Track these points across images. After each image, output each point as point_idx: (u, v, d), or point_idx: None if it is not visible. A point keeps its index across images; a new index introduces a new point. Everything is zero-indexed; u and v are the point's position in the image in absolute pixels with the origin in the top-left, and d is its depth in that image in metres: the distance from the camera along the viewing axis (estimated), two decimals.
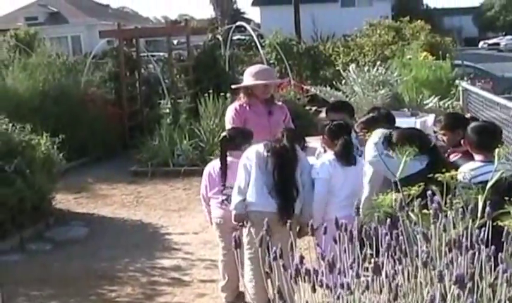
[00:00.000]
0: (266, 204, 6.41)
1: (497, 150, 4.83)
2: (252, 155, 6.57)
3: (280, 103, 8.59)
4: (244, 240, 6.64)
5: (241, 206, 6.57)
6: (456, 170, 5.35)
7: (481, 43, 78.19)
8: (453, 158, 6.43)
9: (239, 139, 7.12)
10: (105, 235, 10.35)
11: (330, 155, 6.56)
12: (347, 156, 6.45)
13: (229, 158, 7.13)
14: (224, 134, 7.43)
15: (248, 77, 7.87)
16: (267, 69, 8.37)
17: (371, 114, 7.42)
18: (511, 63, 46.52)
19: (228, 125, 7.78)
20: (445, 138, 6.81)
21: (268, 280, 4.03)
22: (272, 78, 8.25)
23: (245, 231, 6.61)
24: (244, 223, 6.60)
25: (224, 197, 7.08)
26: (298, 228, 6.41)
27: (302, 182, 6.50)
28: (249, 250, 6.62)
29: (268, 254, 3.95)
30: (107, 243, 9.91)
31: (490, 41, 78.77)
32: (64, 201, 12.04)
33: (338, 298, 3.49)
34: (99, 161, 15.57)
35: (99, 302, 7.48)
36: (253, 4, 68.22)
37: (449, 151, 6.69)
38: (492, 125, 6.71)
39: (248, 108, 7.77)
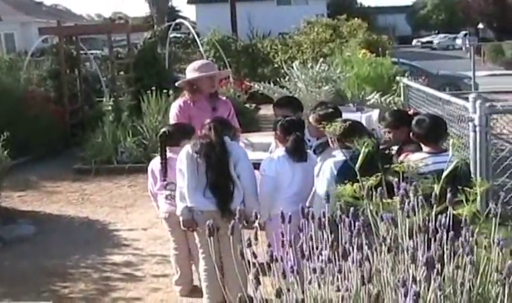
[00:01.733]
0: (205, 204, 6.45)
1: (451, 141, 5.01)
2: (183, 157, 6.59)
3: (224, 98, 8.67)
4: (196, 241, 6.74)
5: (186, 212, 6.59)
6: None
7: (414, 41, 79.48)
8: (404, 157, 6.56)
9: (177, 135, 7.16)
10: (53, 233, 10.30)
11: (280, 151, 6.60)
12: (298, 152, 6.45)
13: (168, 154, 7.19)
14: (163, 130, 7.49)
15: (192, 72, 7.89)
16: (209, 63, 8.40)
17: (328, 109, 7.51)
18: (444, 61, 47.57)
19: (172, 122, 7.84)
20: (390, 135, 6.94)
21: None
22: (215, 70, 8.34)
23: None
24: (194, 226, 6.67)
25: (168, 193, 7.17)
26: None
27: (237, 172, 6.50)
28: (201, 250, 6.71)
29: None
30: (56, 241, 9.87)
31: (424, 40, 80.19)
32: (8, 199, 11.92)
33: (310, 282, 3.61)
34: (42, 159, 15.44)
35: (53, 298, 7.44)
36: (189, 2, 68.16)
37: (393, 149, 6.84)
38: (437, 117, 6.92)
39: (192, 104, 7.82)
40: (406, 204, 3.90)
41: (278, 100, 8.63)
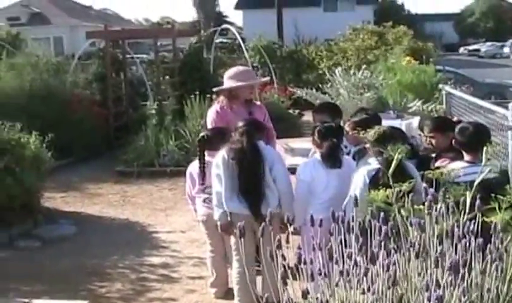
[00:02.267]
0: (240, 208, 6.55)
1: (484, 149, 4.99)
2: (220, 162, 6.67)
3: (259, 103, 8.69)
4: (231, 243, 6.80)
5: (223, 216, 6.69)
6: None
7: (461, 49, 78.78)
8: (440, 163, 6.51)
9: (216, 139, 7.21)
10: (93, 233, 10.45)
11: (316, 157, 6.64)
12: (332, 158, 6.42)
13: (207, 158, 7.27)
14: (202, 134, 7.57)
15: (231, 80, 7.90)
16: (249, 71, 8.45)
17: (364, 115, 7.54)
18: (490, 69, 47.03)
19: (210, 127, 7.90)
20: (433, 141, 6.89)
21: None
22: (255, 79, 8.38)
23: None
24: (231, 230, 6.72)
25: (206, 196, 7.24)
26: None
27: (273, 176, 6.56)
28: (235, 252, 6.77)
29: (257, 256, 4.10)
30: (95, 241, 10.02)
31: (471, 48, 79.38)
32: (51, 199, 12.10)
33: (337, 285, 3.63)
34: (85, 161, 15.63)
35: (90, 297, 7.54)
36: (236, 7, 68.35)
37: (435, 155, 6.80)
38: (481, 125, 6.85)
39: (229, 110, 7.86)
40: (434, 210, 3.90)
41: (317, 106, 8.67)
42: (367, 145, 6.11)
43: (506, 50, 73.27)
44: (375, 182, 5.47)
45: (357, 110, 8.29)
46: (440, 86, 13.80)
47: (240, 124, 6.82)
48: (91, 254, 9.39)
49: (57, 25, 58.50)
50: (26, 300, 6.88)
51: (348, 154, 7.02)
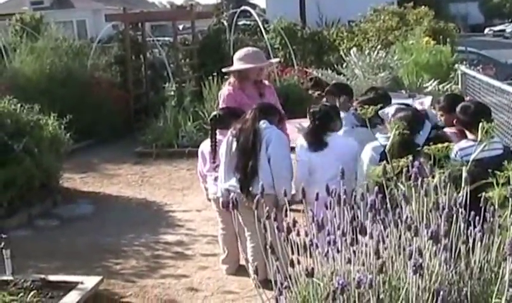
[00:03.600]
0: (234, 185, 6.80)
1: (480, 125, 5.08)
2: (224, 140, 6.90)
3: (267, 82, 8.81)
4: (240, 221, 6.96)
5: (225, 192, 6.91)
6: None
7: (486, 30, 78.03)
8: (448, 131, 6.71)
9: (228, 118, 7.37)
10: (110, 212, 10.67)
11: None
12: (312, 142, 6.56)
13: (219, 137, 7.43)
14: (214, 113, 7.74)
15: (240, 61, 8.07)
16: (258, 52, 8.49)
17: (369, 95, 7.70)
18: None
19: (220, 107, 8.05)
20: (442, 118, 7.05)
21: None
22: (264, 60, 8.50)
23: None
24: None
25: (217, 175, 7.40)
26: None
27: (268, 154, 6.68)
28: (246, 228, 6.94)
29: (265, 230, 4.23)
30: (112, 220, 10.24)
31: (496, 28, 78.52)
32: (70, 180, 12.34)
33: (325, 255, 3.77)
34: (105, 142, 15.84)
35: (105, 273, 7.70)
36: None
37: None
38: (481, 105, 6.96)
39: (240, 91, 8.00)
40: (421, 183, 4.02)
41: (328, 87, 8.80)
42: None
43: None
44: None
45: (367, 89, 8.42)
46: (456, 66, 13.83)
47: (254, 106, 6.98)
48: (107, 232, 9.61)
49: (80, 9, 58.72)
50: (43, 276, 7.05)
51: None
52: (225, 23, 23.08)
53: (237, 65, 8.07)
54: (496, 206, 4.29)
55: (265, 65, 8.40)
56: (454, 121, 6.55)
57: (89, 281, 7.03)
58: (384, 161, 4.64)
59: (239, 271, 7.60)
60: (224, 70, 8.62)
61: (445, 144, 4.89)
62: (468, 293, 3.73)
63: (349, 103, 8.09)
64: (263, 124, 6.74)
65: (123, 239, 9.24)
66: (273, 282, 4.00)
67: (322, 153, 6.48)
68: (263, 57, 8.55)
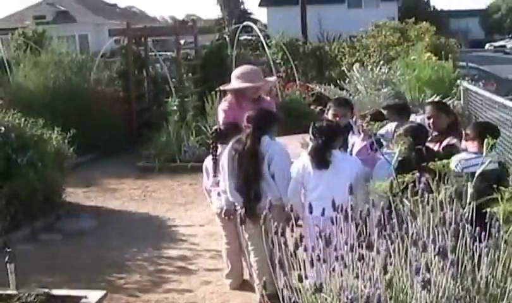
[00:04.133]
0: (238, 201, 6.87)
1: (485, 141, 5.12)
2: (226, 153, 6.96)
3: (268, 98, 8.83)
4: (244, 234, 6.98)
5: (228, 202, 7.07)
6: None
7: (487, 46, 78.18)
8: (450, 141, 6.83)
9: (229, 133, 7.38)
10: (113, 227, 10.69)
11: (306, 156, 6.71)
12: (316, 159, 6.46)
13: (220, 151, 7.45)
14: (215, 127, 7.78)
15: (237, 80, 8.11)
16: (255, 71, 8.52)
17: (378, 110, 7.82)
18: None
19: (221, 123, 8.06)
20: (430, 122, 7.26)
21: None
22: (260, 79, 8.50)
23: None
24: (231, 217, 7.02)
25: (220, 190, 7.41)
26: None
27: (271, 171, 6.73)
28: (250, 242, 6.96)
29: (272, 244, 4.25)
30: (115, 234, 10.25)
31: (496, 44, 78.72)
32: (73, 194, 12.34)
33: (333, 270, 3.79)
34: (108, 157, 15.86)
35: (108, 288, 7.71)
36: (260, 4, 68.47)
37: (435, 135, 7.14)
38: (494, 125, 7.15)
39: (238, 107, 8.01)
40: (426, 198, 4.04)
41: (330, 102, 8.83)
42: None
43: None
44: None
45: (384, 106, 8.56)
46: (458, 81, 13.86)
47: (248, 115, 6.97)
48: (110, 246, 9.62)
49: (82, 23, 58.89)
50: (46, 290, 7.05)
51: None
52: (228, 38, 23.13)
53: (234, 83, 8.13)
54: (501, 222, 4.31)
55: (261, 85, 8.40)
56: (464, 134, 6.65)
57: (93, 296, 7.03)
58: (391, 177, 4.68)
59: (243, 285, 7.64)
60: (221, 88, 8.65)
61: (454, 159, 4.94)
62: None
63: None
64: (263, 140, 6.74)
65: (126, 253, 9.26)
66: (280, 297, 4.01)
67: (325, 170, 6.43)
68: (261, 76, 8.55)
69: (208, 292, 7.73)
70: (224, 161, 6.96)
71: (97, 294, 7.10)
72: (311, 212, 4.91)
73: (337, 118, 7.65)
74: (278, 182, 6.69)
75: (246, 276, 7.63)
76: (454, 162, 5.77)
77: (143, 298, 7.65)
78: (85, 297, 6.96)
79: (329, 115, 7.83)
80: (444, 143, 6.94)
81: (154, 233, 10.27)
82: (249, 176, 6.73)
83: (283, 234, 4.23)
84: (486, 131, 6.07)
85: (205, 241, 9.65)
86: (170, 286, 7.98)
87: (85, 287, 7.52)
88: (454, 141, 6.99)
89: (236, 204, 6.90)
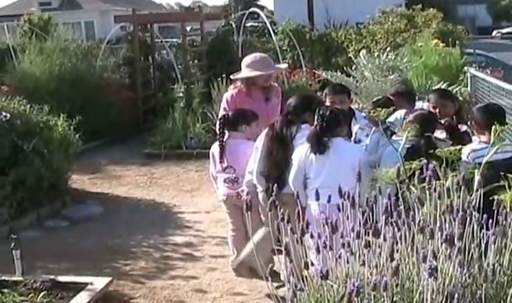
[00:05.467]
0: (262, 184, 6.78)
1: (493, 128, 5.07)
2: (263, 137, 6.84)
3: (275, 84, 8.78)
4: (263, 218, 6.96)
5: (251, 185, 6.93)
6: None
7: (494, 32, 77.90)
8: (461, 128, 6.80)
9: (237, 119, 7.35)
10: (119, 213, 10.70)
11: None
12: (313, 144, 6.32)
13: (227, 138, 7.42)
14: (223, 113, 7.72)
15: (248, 68, 7.98)
16: (266, 59, 8.37)
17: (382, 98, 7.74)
18: None
19: (222, 111, 8.02)
20: (436, 111, 7.20)
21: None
22: (273, 67, 8.45)
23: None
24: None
25: (226, 176, 7.39)
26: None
27: None
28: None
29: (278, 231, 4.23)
30: (121, 221, 10.25)
31: (504, 31, 78.34)
32: (79, 181, 12.35)
33: (339, 257, 3.76)
34: (113, 143, 15.89)
35: (114, 274, 7.71)
36: None
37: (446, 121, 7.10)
38: (497, 105, 7.01)
39: (246, 95, 7.97)
40: (433, 185, 4.02)
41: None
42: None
43: None
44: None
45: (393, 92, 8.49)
46: (465, 68, 13.83)
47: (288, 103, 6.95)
48: (116, 233, 9.62)
49: (88, 10, 58.89)
50: (52, 277, 7.05)
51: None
52: (234, 25, 23.09)
53: (245, 72, 8.01)
54: (508, 209, 4.27)
55: (273, 73, 8.36)
56: (469, 122, 6.60)
57: (99, 282, 7.03)
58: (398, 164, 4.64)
59: (249, 272, 7.58)
60: (231, 77, 8.55)
61: (458, 147, 4.89)
62: (482, 296, 3.71)
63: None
64: (304, 128, 6.66)
65: (132, 240, 9.26)
66: (286, 285, 4.00)
67: (328, 158, 6.35)
68: (272, 63, 8.49)
69: (214, 279, 7.72)
70: (258, 143, 6.89)
71: (103, 281, 7.12)
72: (316, 199, 4.87)
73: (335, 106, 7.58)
74: None
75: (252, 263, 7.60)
76: (466, 152, 5.73)
77: (149, 284, 7.64)
78: (91, 284, 6.97)
79: (326, 103, 7.70)
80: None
81: (160, 219, 10.27)
82: (279, 162, 6.69)
83: (289, 221, 4.20)
84: (494, 117, 6.02)
85: (211, 228, 9.65)
86: (176, 273, 7.97)
87: (91, 274, 7.54)
88: (465, 128, 6.93)
89: (258, 187, 6.83)
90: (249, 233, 7.26)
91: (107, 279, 7.16)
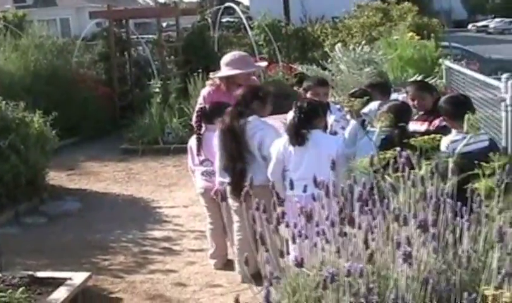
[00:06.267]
0: (225, 178, 6.88)
1: (465, 117, 5.14)
2: (217, 133, 6.97)
3: (254, 78, 8.79)
4: (232, 212, 7.02)
5: (219, 182, 7.06)
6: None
7: (470, 26, 78.36)
8: (442, 122, 6.83)
9: (214, 112, 7.38)
10: (98, 209, 10.69)
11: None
12: (292, 135, 6.35)
13: (204, 131, 7.46)
14: (201, 106, 7.74)
15: (228, 67, 7.98)
16: (245, 57, 8.41)
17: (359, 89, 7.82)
18: (499, 45, 46.77)
19: (198, 106, 8.01)
20: (415, 103, 7.27)
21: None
22: (253, 65, 8.50)
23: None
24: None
25: (204, 169, 7.45)
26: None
27: (262, 153, 6.72)
28: (236, 218, 6.99)
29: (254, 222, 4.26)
30: (100, 217, 10.25)
31: (479, 24, 78.90)
32: (57, 177, 12.34)
33: (315, 245, 3.81)
34: (91, 140, 15.88)
35: (93, 269, 7.71)
36: None
37: (421, 114, 7.16)
38: (463, 96, 7.12)
39: (225, 91, 7.94)
40: (406, 174, 4.08)
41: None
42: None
43: None
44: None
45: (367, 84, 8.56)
46: (440, 60, 13.90)
47: (240, 91, 7.02)
48: (95, 228, 9.62)
49: (63, 7, 58.56)
50: (31, 273, 7.05)
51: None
52: (210, 20, 23.09)
53: (225, 71, 8.01)
54: (483, 197, 4.34)
55: (252, 71, 8.39)
56: (443, 116, 6.66)
57: (77, 277, 7.03)
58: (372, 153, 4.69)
59: (228, 265, 7.64)
60: (211, 75, 8.53)
61: (432, 136, 4.95)
62: (457, 282, 3.78)
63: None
64: (252, 120, 6.73)
65: (111, 235, 9.26)
66: (262, 272, 4.04)
67: (307, 150, 6.38)
68: (251, 62, 8.52)
69: (193, 272, 7.74)
70: (216, 141, 6.97)
71: (82, 275, 7.10)
72: (292, 189, 4.93)
73: (318, 98, 7.61)
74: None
75: (231, 256, 7.63)
76: (445, 144, 5.80)
77: (128, 279, 7.65)
78: (70, 279, 6.96)
79: (308, 95, 7.71)
80: (436, 123, 6.91)
81: (138, 214, 10.29)
82: (233, 154, 6.73)
83: (265, 211, 4.23)
84: (462, 107, 6.09)
85: (189, 222, 9.68)
86: (155, 267, 7.99)
87: (70, 269, 7.52)
88: (444, 123, 6.97)
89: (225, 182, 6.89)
90: (227, 227, 7.38)
91: (85, 274, 7.15)
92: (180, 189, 11.50)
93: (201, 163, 7.53)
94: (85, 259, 8.34)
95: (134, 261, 8.24)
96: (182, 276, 7.67)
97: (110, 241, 9.04)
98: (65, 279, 6.96)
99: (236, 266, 7.14)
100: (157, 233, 9.28)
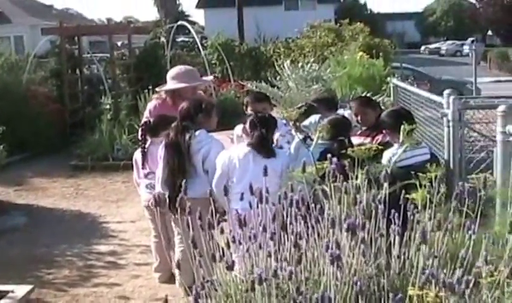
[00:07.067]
0: (166, 191, 6.85)
1: (402, 128, 5.25)
2: (161, 146, 6.98)
3: (200, 92, 8.83)
4: (173, 225, 7.05)
5: (160, 194, 7.02)
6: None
7: (422, 48, 79.45)
8: (382, 138, 6.93)
9: (159, 125, 7.41)
10: (44, 224, 10.61)
11: (242, 147, 6.65)
12: (263, 148, 6.36)
13: (148, 144, 7.50)
14: (145, 119, 7.78)
15: (173, 80, 8.05)
16: (191, 71, 8.46)
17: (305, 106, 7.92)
18: (450, 67, 47.52)
19: (143, 119, 8.05)
20: (358, 118, 7.40)
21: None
22: (198, 79, 8.54)
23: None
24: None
25: (148, 182, 7.47)
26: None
27: (205, 168, 6.72)
28: (176, 231, 7.03)
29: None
30: (46, 231, 10.18)
31: (432, 46, 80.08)
32: (3, 193, 12.27)
33: (247, 250, 3.87)
34: (40, 156, 15.77)
35: (36, 283, 7.68)
36: (198, 6, 68.43)
37: (364, 129, 7.27)
38: (404, 109, 7.26)
39: (171, 105, 7.95)
40: (339, 181, 4.15)
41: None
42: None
43: (466, 48, 73.83)
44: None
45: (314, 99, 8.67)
46: (388, 79, 14.11)
47: (183, 104, 7.00)
48: (41, 243, 9.56)
49: (17, 24, 58.05)
50: None
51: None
52: (163, 39, 23.14)
53: (170, 84, 8.05)
54: (419, 207, 4.43)
55: (198, 85, 8.43)
56: (384, 131, 6.77)
57: (20, 290, 7.00)
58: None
59: (172, 278, 7.62)
60: (157, 89, 8.58)
61: (368, 145, 5.04)
62: (388, 286, 3.85)
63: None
64: (197, 135, 6.75)
65: (56, 250, 9.22)
66: (195, 276, 4.08)
67: (247, 161, 6.38)
68: (197, 75, 8.55)
69: (137, 286, 7.74)
70: (160, 153, 7.00)
71: (24, 288, 7.09)
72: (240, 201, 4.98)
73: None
74: (211, 178, 6.63)
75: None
76: (387, 157, 5.91)
77: (71, 292, 7.62)
78: (12, 292, 6.94)
79: (248, 111, 7.75)
80: (379, 138, 7.01)
81: (85, 229, 10.25)
82: (175, 169, 6.75)
83: (200, 218, 4.26)
84: (401, 119, 6.19)
85: (136, 236, 9.67)
86: (99, 281, 7.97)
87: (13, 283, 7.47)
88: (388, 138, 7.07)
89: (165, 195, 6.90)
90: (171, 239, 7.40)
91: (28, 287, 7.13)
92: (128, 204, 11.49)
93: (146, 176, 7.55)
94: (29, 273, 8.29)
95: (78, 275, 8.20)
96: (126, 290, 7.66)
97: (55, 255, 8.99)
98: (7, 292, 6.93)
99: (177, 277, 7.15)
100: (102, 248, 9.25)
